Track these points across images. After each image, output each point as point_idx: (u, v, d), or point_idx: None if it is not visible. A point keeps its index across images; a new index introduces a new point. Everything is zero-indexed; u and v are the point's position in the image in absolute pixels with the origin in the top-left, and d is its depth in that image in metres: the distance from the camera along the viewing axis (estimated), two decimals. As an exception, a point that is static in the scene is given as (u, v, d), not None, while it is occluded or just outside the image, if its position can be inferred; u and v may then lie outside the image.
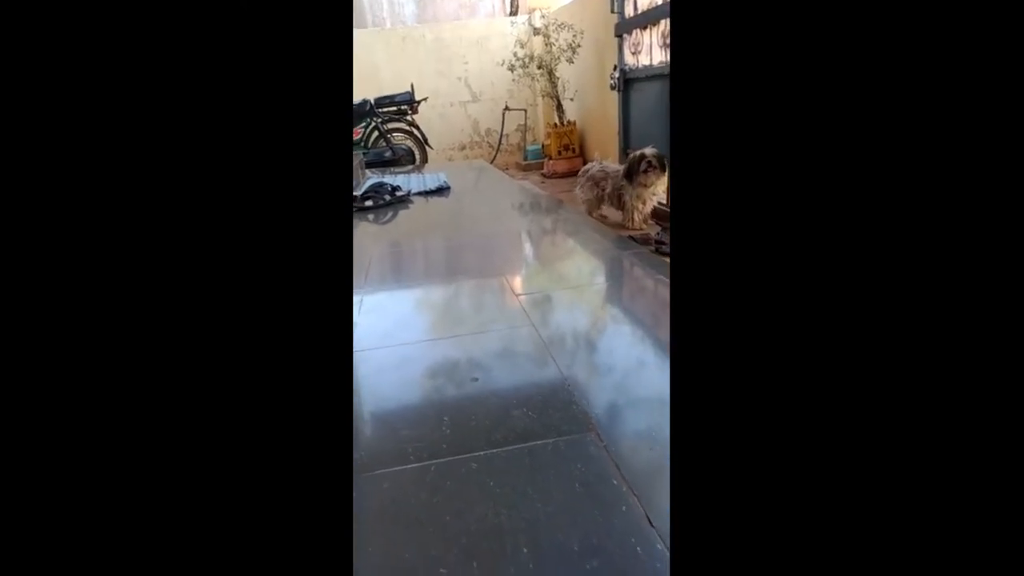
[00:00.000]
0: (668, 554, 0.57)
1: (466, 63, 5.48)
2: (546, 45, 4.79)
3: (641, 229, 2.89)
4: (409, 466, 0.73)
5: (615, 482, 0.67)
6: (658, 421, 0.79)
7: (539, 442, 0.75)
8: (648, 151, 2.81)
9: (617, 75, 3.48)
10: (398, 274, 1.68)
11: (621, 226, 2.92)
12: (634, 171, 2.80)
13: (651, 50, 3.10)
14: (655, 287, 1.39)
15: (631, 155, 2.86)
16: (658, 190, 2.90)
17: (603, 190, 2.92)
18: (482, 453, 0.74)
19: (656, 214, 3.09)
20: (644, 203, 2.86)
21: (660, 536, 0.59)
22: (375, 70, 5.39)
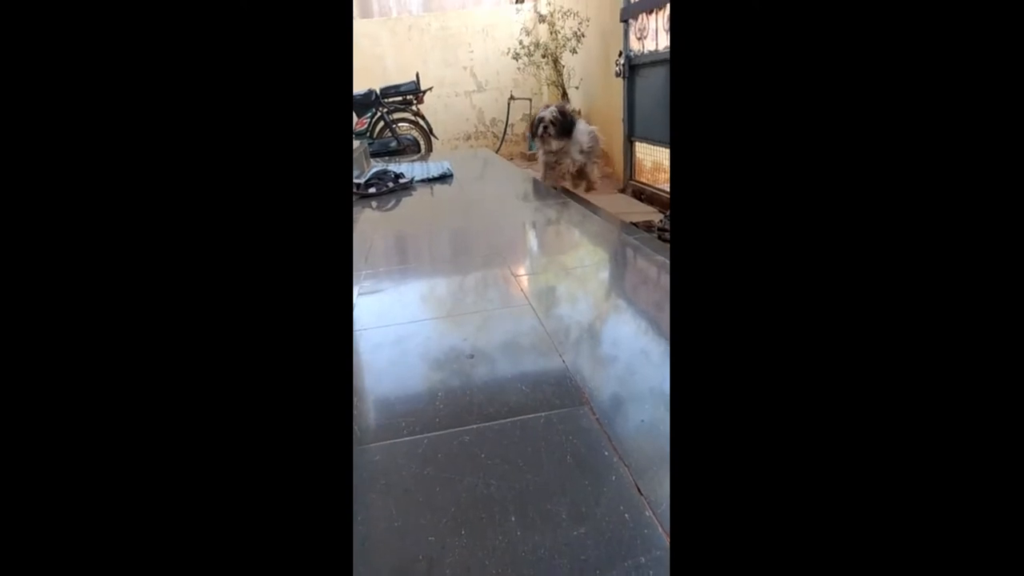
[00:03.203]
0: (655, 521, 0.56)
1: (471, 52, 5.45)
2: (551, 33, 4.75)
3: (556, 186, 2.80)
4: (402, 439, 0.73)
5: (606, 453, 0.66)
6: (652, 394, 0.79)
7: (531, 415, 0.75)
8: (547, 113, 2.68)
9: (623, 62, 3.44)
10: (398, 257, 1.68)
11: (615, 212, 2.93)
12: (535, 133, 2.72)
13: (657, 35, 3.06)
14: (657, 272, 1.38)
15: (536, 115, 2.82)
16: (571, 150, 2.75)
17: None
18: (474, 426, 0.74)
19: (657, 201, 3.07)
20: (556, 163, 2.75)
21: (649, 504, 0.58)
22: (381, 60, 5.37)
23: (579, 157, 2.76)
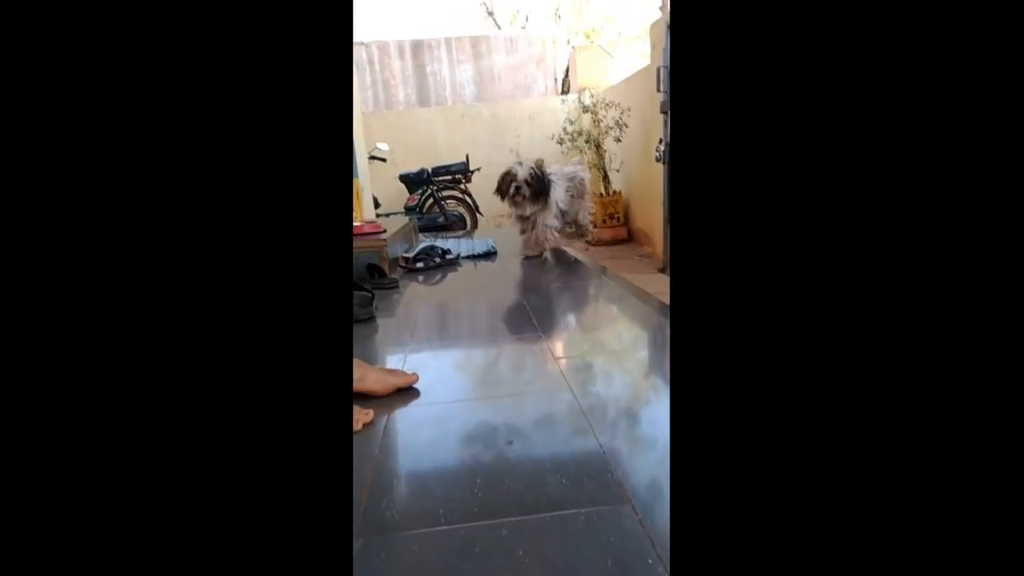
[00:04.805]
0: (705, 646, 0.52)
1: (518, 136, 5.82)
2: (594, 122, 5.03)
3: (536, 254, 2.45)
4: (439, 528, 0.72)
5: (650, 560, 0.63)
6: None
7: (571, 511, 0.73)
8: (521, 171, 2.26)
9: (663, 148, 3.58)
10: (441, 333, 1.73)
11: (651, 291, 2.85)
12: (504, 192, 2.34)
13: (696, 126, 3.19)
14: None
15: (507, 169, 2.38)
16: (545, 216, 2.34)
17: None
18: (512, 519, 0.73)
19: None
20: (530, 230, 2.39)
21: (697, 625, 0.55)
22: (434, 142, 5.80)
23: (554, 222, 2.41)
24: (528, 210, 2.33)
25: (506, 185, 2.34)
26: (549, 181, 2.33)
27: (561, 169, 2.54)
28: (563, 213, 2.47)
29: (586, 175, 2.65)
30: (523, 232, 2.50)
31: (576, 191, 2.52)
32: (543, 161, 2.41)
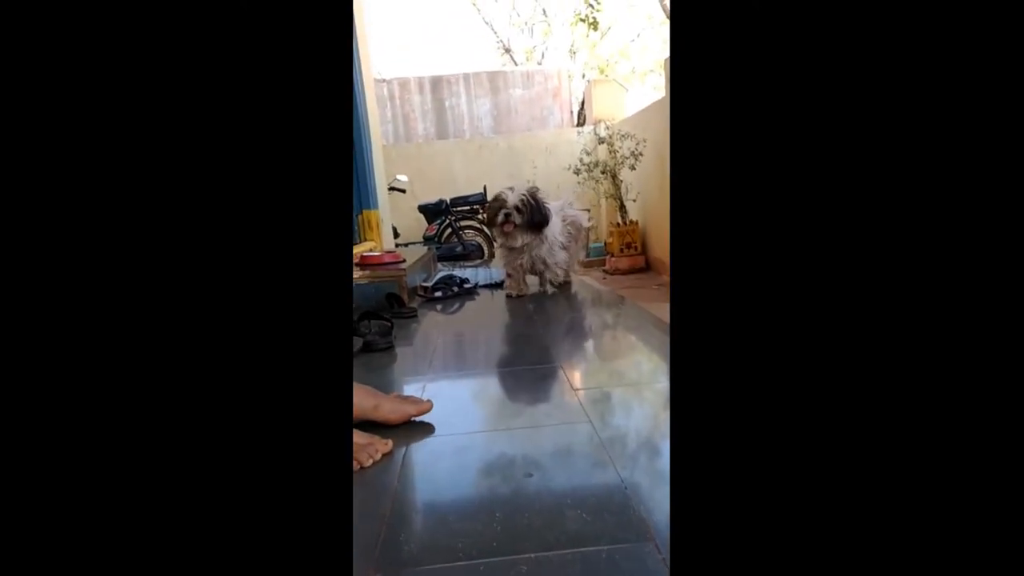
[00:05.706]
0: None
1: (535, 167, 5.91)
2: (610, 152, 5.09)
3: (521, 293, 2.23)
4: (458, 563, 0.71)
5: (675, 602, 0.61)
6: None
7: (592, 548, 0.72)
8: (512, 196, 2.02)
9: (679, 178, 3.60)
10: (459, 362, 1.73)
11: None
12: (493, 220, 2.09)
13: (712, 156, 3.21)
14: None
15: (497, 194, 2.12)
16: (545, 250, 2.05)
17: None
18: (532, 555, 0.71)
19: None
20: (519, 265, 2.12)
21: (726, 672, 0.52)
22: (452, 174, 5.93)
23: (563, 255, 2.15)
24: (519, 241, 2.06)
25: (494, 212, 2.06)
26: (547, 211, 2.08)
27: (558, 206, 2.31)
28: (564, 248, 2.28)
29: (584, 214, 2.38)
30: (512, 271, 2.21)
31: (573, 235, 2.32)
32: (537, 189, 2.18)
